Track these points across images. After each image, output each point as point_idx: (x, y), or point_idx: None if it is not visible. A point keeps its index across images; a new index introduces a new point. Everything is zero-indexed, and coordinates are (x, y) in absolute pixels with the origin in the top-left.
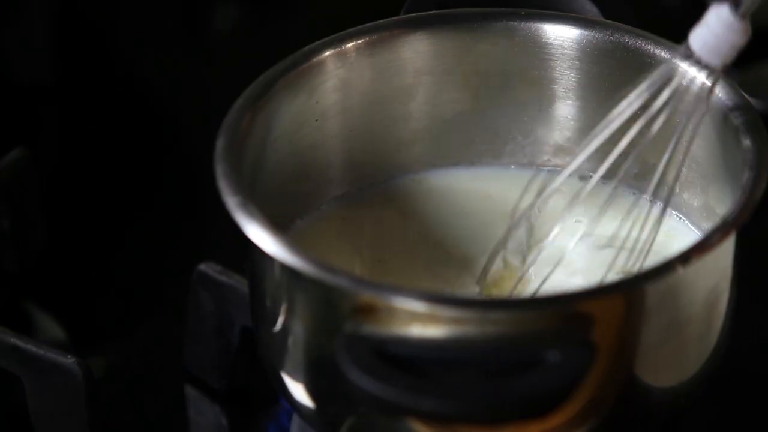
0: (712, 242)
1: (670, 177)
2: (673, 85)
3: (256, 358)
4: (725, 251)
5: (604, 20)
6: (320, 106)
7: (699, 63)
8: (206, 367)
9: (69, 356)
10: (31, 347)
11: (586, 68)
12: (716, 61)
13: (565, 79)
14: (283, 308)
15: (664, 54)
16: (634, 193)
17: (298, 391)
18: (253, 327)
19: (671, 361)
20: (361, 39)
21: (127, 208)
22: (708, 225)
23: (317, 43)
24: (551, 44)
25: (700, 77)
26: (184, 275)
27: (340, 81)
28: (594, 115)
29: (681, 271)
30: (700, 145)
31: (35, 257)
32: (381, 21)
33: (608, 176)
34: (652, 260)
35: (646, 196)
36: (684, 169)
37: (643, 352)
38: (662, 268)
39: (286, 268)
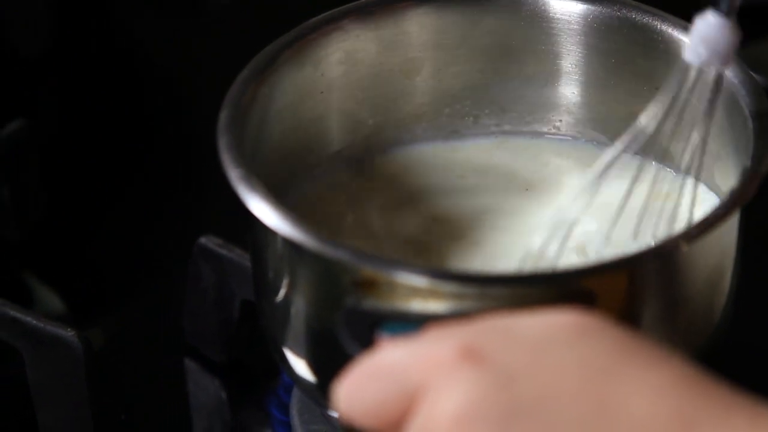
0: (715, 220)
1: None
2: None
3: (256, 331)
4: (729, 229)
5: None
6: (325, 78)
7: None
8: (206, 340)
9: (68, 329)
10: (30, 319)
11: (592, 43)
12: (719, 64)
13: (572, 54)
14: (284, 282)
15: (671, 30)
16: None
17: (298, 364)
18: (255, 299)
19: (672, 340)
20: (366, 12)
21: (128, 179)
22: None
23: (323, 15)
24: (558, 19)
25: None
26: (185, 248)
27: (345, 54)
28: (600, 91)
29: (684, 248)
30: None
31: (35, 229)
32: None
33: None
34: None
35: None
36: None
37: (644, 330)
38: (665, 245)
39: (287, 242)
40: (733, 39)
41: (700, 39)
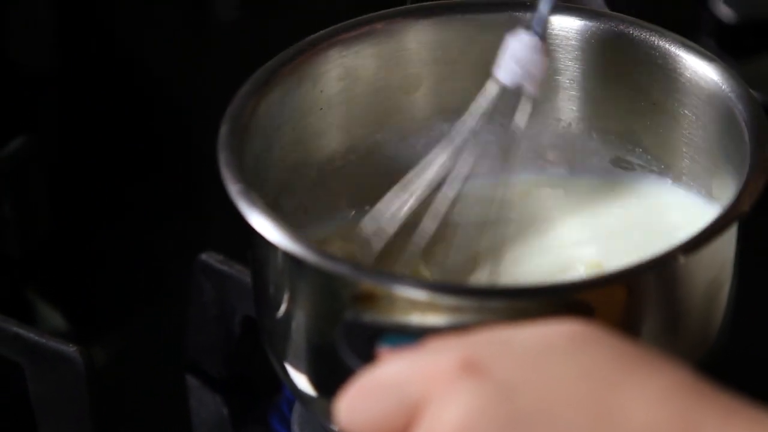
0: (713, 232)
1: None
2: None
3: (258, 347)
4: (727, 242)
5: (609, 11)
6: (325, 94)
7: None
8: (207, 356)
9: (70, 345)
10: (32, 335)
11: (590, 59)
12: (531, 87)
13: (570, 70)
14: (285, 296)
15: (668, 46)
16: None
17: (300, 378)
18: (256, 315)
19: (670, 352)
20: (365, 28)
21: (129, 196)
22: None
23: (322, 31)
24: (555, 35)
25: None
26: (186, 264)
27: (344, 70)
28: (597, 106)
29: (682, 261)
30: (704, 138)
31: (38, 245)
32: (386, 11)
33: None
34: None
35: None
36: (688, 161)
37: (642, 343)
38: (663, 257)
39: (288, 256)
40: (544, 60)
41: (514, 58)
